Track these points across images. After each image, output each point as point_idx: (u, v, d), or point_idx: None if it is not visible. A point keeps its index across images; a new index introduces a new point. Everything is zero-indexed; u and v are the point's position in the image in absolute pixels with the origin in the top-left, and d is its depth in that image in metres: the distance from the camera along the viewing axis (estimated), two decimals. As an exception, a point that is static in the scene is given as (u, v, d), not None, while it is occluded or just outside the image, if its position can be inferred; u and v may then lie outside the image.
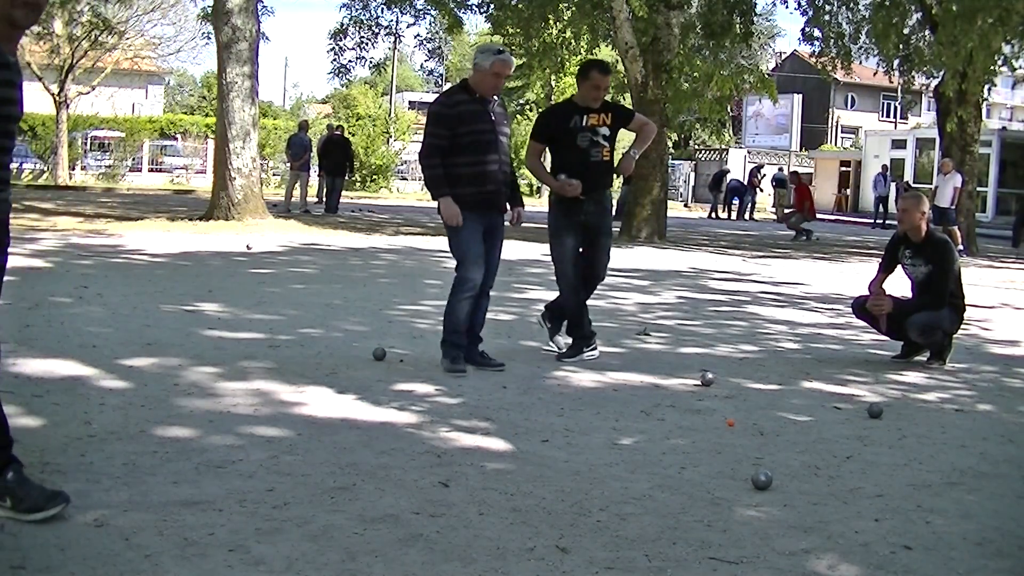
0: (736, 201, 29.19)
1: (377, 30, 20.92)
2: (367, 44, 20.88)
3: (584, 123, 5.85)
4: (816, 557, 3.05)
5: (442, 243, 14.12)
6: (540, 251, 13.75)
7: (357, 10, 20.50)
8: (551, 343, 6.24)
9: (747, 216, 28.44)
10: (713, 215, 28.73)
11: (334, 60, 20.94)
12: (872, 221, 27.03)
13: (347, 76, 22.62)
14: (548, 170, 6.03)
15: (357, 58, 21.08)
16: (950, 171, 17.39)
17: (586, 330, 6.07)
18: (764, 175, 31.20)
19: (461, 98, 5.41)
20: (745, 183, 29.69)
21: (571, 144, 5.84)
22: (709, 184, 29.54)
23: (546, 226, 6.12)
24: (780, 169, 30.78)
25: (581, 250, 6.03)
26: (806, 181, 21.38)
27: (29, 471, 3.44)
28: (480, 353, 5.67)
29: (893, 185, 27.12)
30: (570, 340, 6.12)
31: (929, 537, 3.27)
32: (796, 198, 20.83)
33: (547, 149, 6.05)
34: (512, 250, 13.68)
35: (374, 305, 7.88)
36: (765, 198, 32.40)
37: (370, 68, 22.15)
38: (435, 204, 5.63)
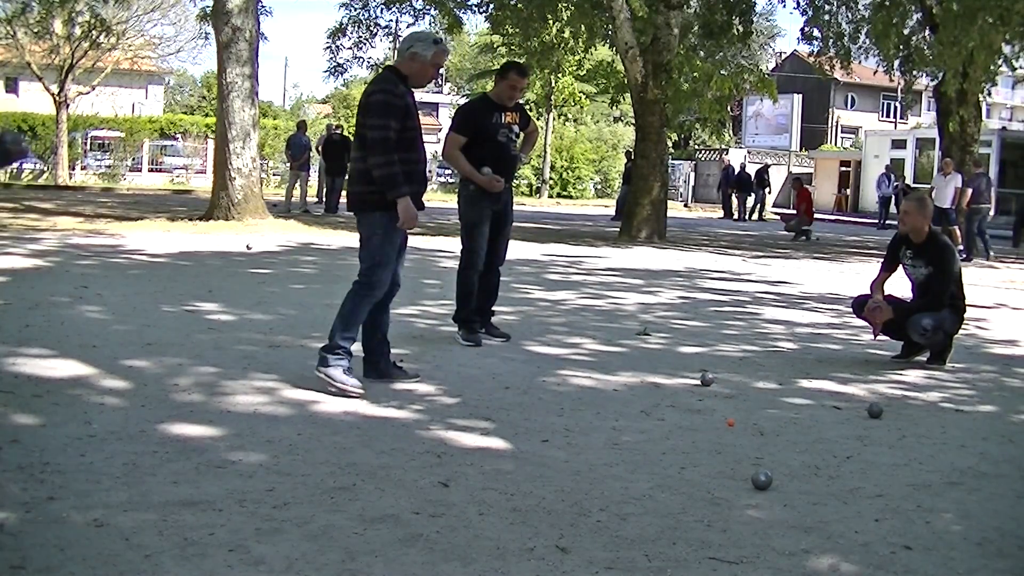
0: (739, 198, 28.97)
1: (375, 30, 20.92)
2: (365, 44, 20.88)
3: (503, 120, 6.25)
4: (816, 557, 3.05)
5: (442, 243, 14.20)
6: (539, 251, 13.77)
7: (356, 9, 20.51)
8: (461, 337, 6.34)
9: (756, 216, 28.18)
10: (745, 217, 28.14)
11: (331, 59, 20.94)
12: (876, 222, 26.93)
13: (343, 75, 22.61)
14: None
15: (354, 57, 21.07)
16: (951, 172, 17.39)
17: (471, 314, 6.35)
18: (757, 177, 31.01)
19: (403, 89, 4.91)
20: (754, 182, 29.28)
21: (492, 139, 6.21)
22: (754, 183, 28.54)
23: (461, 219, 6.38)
24: (766, 167, 30.27)
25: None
26: (806, 183, 21.38)
27: (29, 471, 3.45)
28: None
29: (896, 186, 27.05)
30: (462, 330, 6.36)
31: (929, 537, 3.27)
32: (797, 202, 20.83)
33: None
34: (511, 250, 13.67)
35: (374, 305, 7.87)
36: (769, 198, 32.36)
37: (368, 68, 22.14)
38: (414, 203, 5.64)
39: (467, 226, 6.36)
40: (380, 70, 5.00)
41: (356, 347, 4.95)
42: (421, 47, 4.92)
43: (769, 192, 30.02)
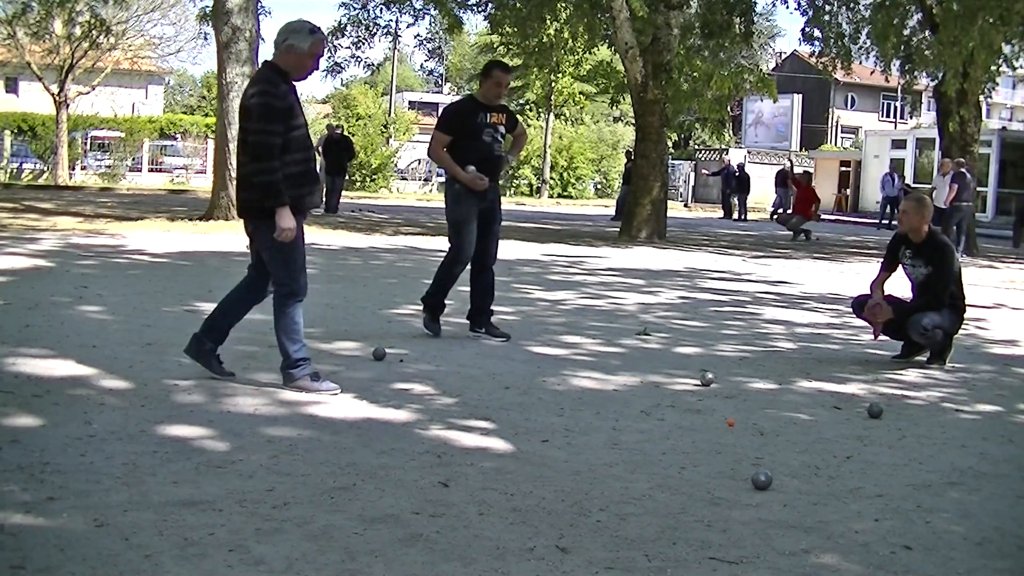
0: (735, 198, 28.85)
1: (374, 30, 20.90)
2: (363, 44, 20.87)
3: (488, 120, 6.31)
4: (816, 557, 3.05)
5: (442, 242, 14.15)
6: (539, 251, 13.77)
7: (355, 9, 20.50)
8: (425, 326, 6.54)
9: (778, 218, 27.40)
10: (744, 217, 27.78)
11: (329, 58, 20.92)
12: (879, 222, 26.84)
13: (339, 75, 22.64)
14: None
15: (352, 57, 21.06)
16: (949, 171, 17.38)
17: (440, 302, 6.52)
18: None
19: (284, 88, 4.68)
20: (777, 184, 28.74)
21: (477, 138, 6.27)
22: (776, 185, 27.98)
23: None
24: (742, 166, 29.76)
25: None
26: (804, 181, 21.25)
27: (29, 471, 3.45)
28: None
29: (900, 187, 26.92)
30: (430, 320, 6.53)
31: (929, 537, 3.28)
32: (799, 200, 20.79)
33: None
34: (511, 250, 13.69)
35: (374, 305, 7.88)
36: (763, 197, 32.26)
37: (365, 68, 22.15)
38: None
39: (454, 224, 6.44)
40: (261, 67, 4.83)
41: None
42: (297, 39, 4.69)
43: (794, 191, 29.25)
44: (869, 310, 6.30)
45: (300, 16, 5.02)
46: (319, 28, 4.85)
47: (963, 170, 17.12)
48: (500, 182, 6.61)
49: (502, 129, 6.41)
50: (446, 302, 6.61)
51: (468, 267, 6.52)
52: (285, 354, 4.83)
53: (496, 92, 6.36)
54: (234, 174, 17.19)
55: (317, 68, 4.84)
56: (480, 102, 6.38)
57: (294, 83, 4.76)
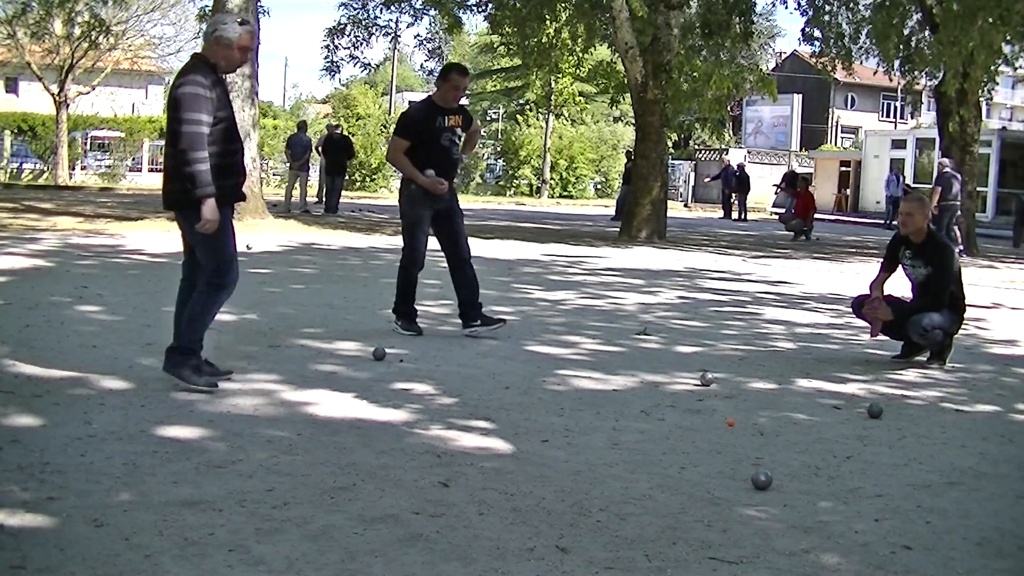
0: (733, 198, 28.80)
1: (373, 30, 20.89)
2: (362, 44, 20.86)
3: (446, 123, 6.40)
4: (816, 557, 3.05)
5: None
6: (540, 251, 13.77)
7: (355, 9, 20.50)
8: (400, 327, 6.54)
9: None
10: (744, 217, 27.69)
11: (327, 58, 20.92)
12: (887, 222, 26.75)
13: (337, 75, 22.70)
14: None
15: (350, 57, 21.05)
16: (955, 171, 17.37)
17: (410, 307, 6.58)
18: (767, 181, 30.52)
19: (213, 78, 4.66)
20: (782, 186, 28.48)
21: (435, 142, 6.36)
22: (780, 186, 27.73)
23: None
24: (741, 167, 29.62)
25: (437, 235, 6.61)
26: (801, 187, 21.23)
27: (29, 471, 3.45)
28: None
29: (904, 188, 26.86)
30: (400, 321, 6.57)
31: (929, 537, 3.28)
32: (800, 204, 20.80)
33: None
34: (512, 250, 13.69)
35: (374, 305, 7.87)
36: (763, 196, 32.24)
37: (363, 68, 22.14)
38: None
39: (408, 225, 6.56)
40: (190, 59, 4.78)
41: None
42: (225, 30, 4.67)
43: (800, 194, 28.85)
44: (869, 306, 6.30)
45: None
46: (248, 20, 4.86)
47: (947, 170, 17.12)
48: (456, 181, 6.77)
49: (459, 132, 6.51)
50: (445, 303, 6.62)
51: (449, 268, 6.63)
52: (179, 335, 4.76)
53: (454, 95, 6.46)
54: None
55: (247, 61, 4.78)
56: (438, 105, 6.46)
57: (223, 75, 4.75)
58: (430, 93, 6.72)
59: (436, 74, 7.54)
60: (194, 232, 4.68)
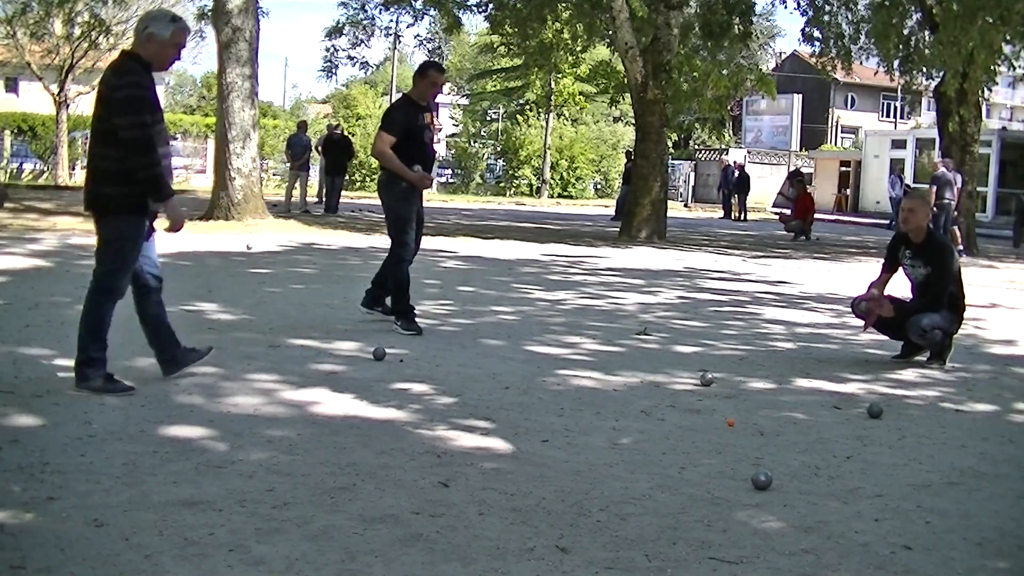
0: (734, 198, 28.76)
1: (372, 31, 20.90)
2: (361, 44, 20.87)
3: (423, 120, 6.58)
4: (816, 557, 3.05)
5: (442, 243, 14.19)
6: (539, 251, 13.77)
7: (354, 9, 20.51)
8: (402, 328, 6.57)
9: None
10: (743, 217, 27.69)
11: (326, 58, 20.93)
12: (889, 223, 26.65)
13: (334, 76, 22.71)
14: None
15: (348, 57, 21.06)
16: (950, 170, 17.37)
17: (408, 304, 6.67)
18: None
19: (149, 79, 4.53)
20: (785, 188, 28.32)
21: (419, 139, 6.52)
22: (783, 186, 27.53)
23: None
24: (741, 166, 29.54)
25: None
26: (799, 190, 21.21)
27: (29, 471, 3.45)
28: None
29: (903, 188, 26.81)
30: (393, 316, 6.69)
31: (929, 537, 3.28)
32: (799, 205, 20.79)
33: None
34: (512, 250, 13.69)
35: (374, 305, 7.87)
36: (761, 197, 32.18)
37: (362, 68, 22.15)
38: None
39: (398, 221, 6.66)
40: (121, 57, 4.62)
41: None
42: (158, 27, 4.53)
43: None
44: (870, 301, 6.30)
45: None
46: (181, 17, 4.74)
47: (940, 171, 17.23)
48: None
49: (432, 128, 6.73)
50: (445, 303, 6.63)
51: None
52: (82, 349, 4.64)
53: (433, 91, 6.62)
54: (234, 174, 17.12)
55: (179, 58, 4.71)
56: (416, 102, 6.56)
57: (154, 75, 4.61)
58: (404, 91, 6.83)
59: None
60: (111, 234, 4.57)
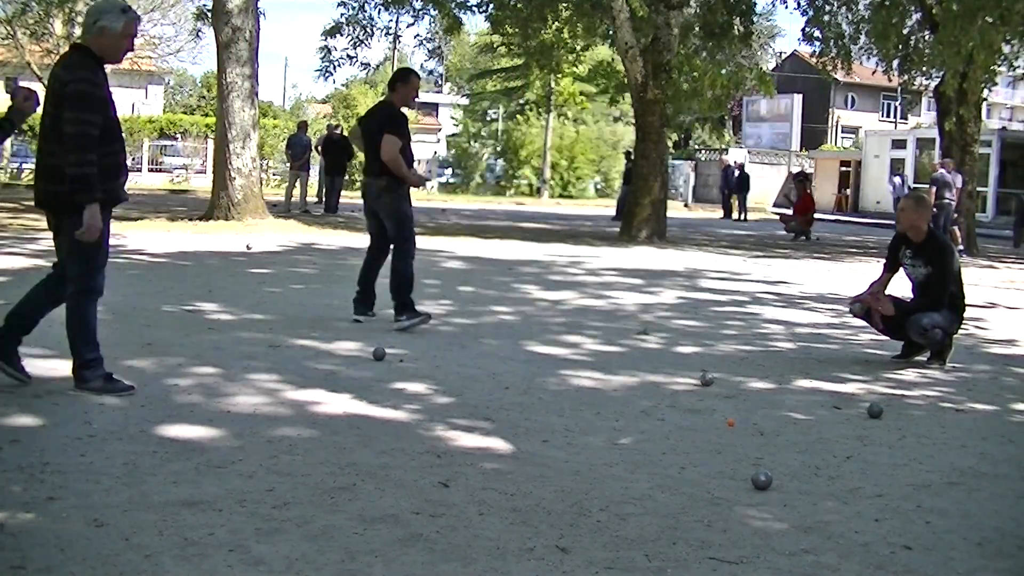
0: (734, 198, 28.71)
1: (371, 31, 20.87)
2: (360, 44, 20.82)
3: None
4: (816, 557, 3.05)
5: (442, 243, 14.19)
6: (540, 251, 13.77)
7: (354, 9, 20.48)
8: (407, 320, 6.76)
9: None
10: (744, 217, 27.56)
11: (324, 58, 20.88)
12: (877, 222, 26.67)
13: (331, 77, 22.64)
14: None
15: (347, 57, 21.02)
16: (950, 171, 17.39)
17: (409, 296, 6.86)
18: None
19: (102, 75, 4.43)
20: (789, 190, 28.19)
21: (409, 143, 6.85)
22: (785, 187, 27.37)
23: None
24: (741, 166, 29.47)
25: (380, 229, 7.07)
26: (805, 190, 21.20)
27: (29, 471, 3.45)
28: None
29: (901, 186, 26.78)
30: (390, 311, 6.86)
31: (929, 537, 3.28)
32: (799, 205, 20.79)
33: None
34: (512, 250, 13.69)
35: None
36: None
37: (363, 67, 22.12)
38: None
39: (404, 220, 6.87)
40: (71, 52, 4.53)
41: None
42: (109, 19, 4.39)
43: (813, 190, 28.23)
44: (867, 300, 6.31)
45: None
46: (131, 8, 4.59)
47: (939, 172, 17.28)
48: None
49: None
50: (445, 303, 6.66)
51: (376, 256, 7.15)
52: (77, 354, 4.56)
53: (414, 95, 7.00)
54: (234, 174, 17.15)
55: (132, 49, 4.61)
56: (400, 107, 6.92)
57: (106, 68, 4.52)
58: (386, 97, 7.08)
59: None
60: (69, 235, 4.41)
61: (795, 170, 29.27)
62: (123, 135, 4.70)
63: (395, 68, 44.68)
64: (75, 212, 4.34)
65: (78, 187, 4.28)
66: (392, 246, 6.90)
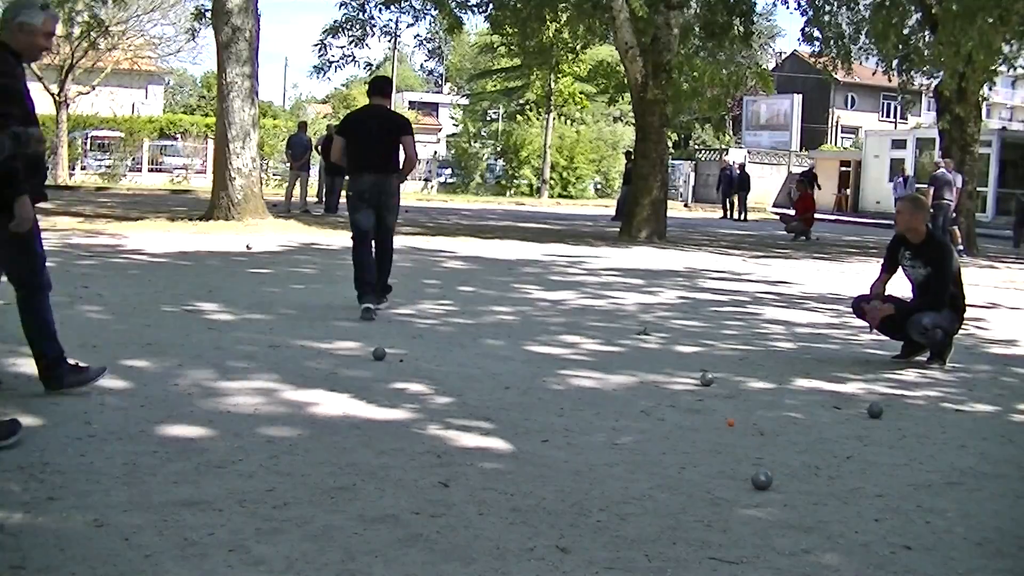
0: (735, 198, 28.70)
1: (371, 31, 20.86)
2: (360, 43, 20.80)
3: None
4: (816, 557, 3.05)
5: (442, 243, 14.19)
6: (540, 251, 13.77)
7: (354, 9, 20.47)
8: (378, 306, 7.33)
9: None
10: (744, 217, 27.51)
11: (321, 56, 20.86)
12: (876, 222, 26.65)
13: (327, 75, 22.65)
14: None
15: (345, 56, 21.00)
16: (949, 170, 17.39)
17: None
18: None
19: (20, 70, 4.36)
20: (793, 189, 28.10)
21: None
22: (791, 187, 27.20)
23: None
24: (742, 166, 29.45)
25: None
26: (805, 190, 21.19)
27: (29, 471, 3.45)
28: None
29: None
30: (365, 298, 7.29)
31: (929, 537, 3.28)
32: (799, 205, 20.79)
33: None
34: (512, 250, 13.70)
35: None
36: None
37: (364, 67, 22.11)
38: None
39: (396, 216, 7.78)
40: None
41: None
42: (28, 15, 4.30)
43: (819, 189, 28.19)
44: (870, 310, 6.31)
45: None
46: (50, 5, 4.50)
47: (939, 171, 17.28)
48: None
49: None
50: (444, 303, 6.69)
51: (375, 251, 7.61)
52: (42, 355, 4.48)
53: (388, 104, 7.73)
54: (234, 174, 17.13)
55: (50, 49, 4.55)
56: None
57: (24, 64, 4.42)
58: (377, 101, 7.58)
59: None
60: (3, 235, 4.25)
61: (796, 170, 29.23)
62: (42, 134, 4.56)
63: (394, 68, 44.19)
64: (5, 209, 4.21)
65: (7, 182, 4.16)
66: (383, 236, 7.63)
